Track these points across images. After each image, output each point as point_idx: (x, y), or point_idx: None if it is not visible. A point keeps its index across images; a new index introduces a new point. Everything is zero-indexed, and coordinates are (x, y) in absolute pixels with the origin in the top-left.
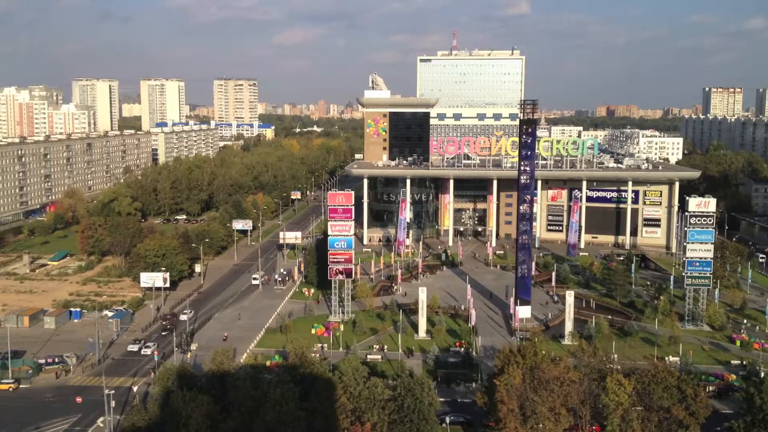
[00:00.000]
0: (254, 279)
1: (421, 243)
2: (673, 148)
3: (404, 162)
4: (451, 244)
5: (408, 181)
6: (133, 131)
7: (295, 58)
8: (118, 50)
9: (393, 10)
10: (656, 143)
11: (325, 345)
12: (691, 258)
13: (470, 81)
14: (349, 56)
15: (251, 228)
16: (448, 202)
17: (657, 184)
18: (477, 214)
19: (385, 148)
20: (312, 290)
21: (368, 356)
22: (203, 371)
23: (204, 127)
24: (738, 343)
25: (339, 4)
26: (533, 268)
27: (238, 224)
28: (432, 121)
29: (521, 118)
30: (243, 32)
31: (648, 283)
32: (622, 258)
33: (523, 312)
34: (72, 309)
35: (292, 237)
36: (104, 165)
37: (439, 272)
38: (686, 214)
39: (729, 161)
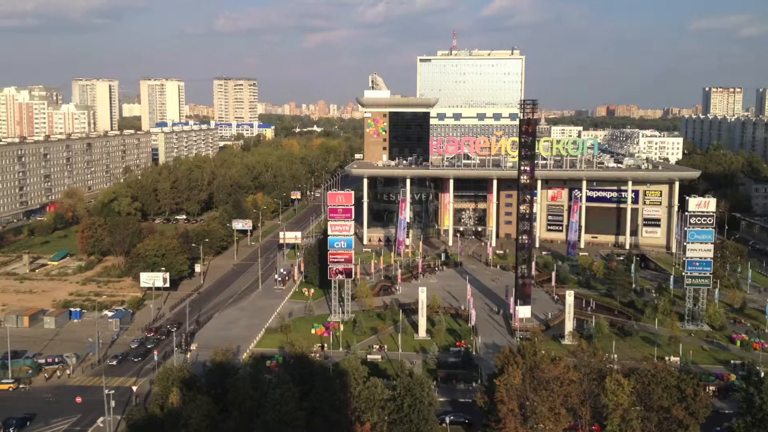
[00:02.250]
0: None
1: (421, 242)
2: (673, 148)
3: (404, 162)
4: (451, 244)
5: (408, 181)
6: (132, 131)
7: (311, 59)
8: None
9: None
10: (656, 143)
11: (325, 345)
12: (691, 258)
13: (470, 81)
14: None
15: (251, 228)
16: (448, 202)
17: (657, 184)
18: (477, 214)
19: (385, 148)
20: (312, 290)
21: (368, 356)
22: (203, 371)
23: (204, 127)
24: (738, 343)
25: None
26: (533, 268)
27: (238, 224)
28: (432, 121)
29: (521, 118)
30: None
31: (650, 283)
32: (622, 258)
33: (523, 312)
34: (72, 309)
35: (292, 237)
36: (104, 165)
37: (439, 272)
38: (686, 213)
39: (729, 161)
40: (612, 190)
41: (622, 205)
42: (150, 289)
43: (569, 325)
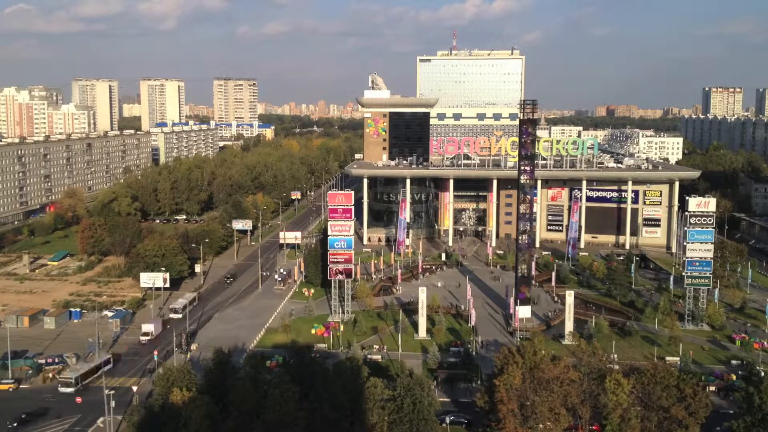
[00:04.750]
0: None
1: (421, 242)
2: (673, 148)
3: (404, 162)
4: (451, 244)
5: (408, 181)
6: (132, 131)
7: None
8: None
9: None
10: (656, 143)
11: (325, 345)
12: (691, 258)
13: (470, 81)
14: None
15: (251, 228)
16: (448, 202)
17: (657, 184)
18: (477, 214)
19: (385, 148)
20: (312, 290)
21: (368, 356)
22: (203, 371)
23: (204, 127)
24: (738, 342)
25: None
26: (533, 268)
27: (238, 224)
28: (432, 121)
29: (521, 118)
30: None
31: (650, 283)
32: (622, 258)
33: (523, 312)
34: (72, 309)
35: (292, 237)
36: (104, 165)
37: (439, 272)
38: (686, 213)
39: (729, 161)
40: (612, 190)
41: (622, 205)
42: (150, 289)
43: (569, 325)
